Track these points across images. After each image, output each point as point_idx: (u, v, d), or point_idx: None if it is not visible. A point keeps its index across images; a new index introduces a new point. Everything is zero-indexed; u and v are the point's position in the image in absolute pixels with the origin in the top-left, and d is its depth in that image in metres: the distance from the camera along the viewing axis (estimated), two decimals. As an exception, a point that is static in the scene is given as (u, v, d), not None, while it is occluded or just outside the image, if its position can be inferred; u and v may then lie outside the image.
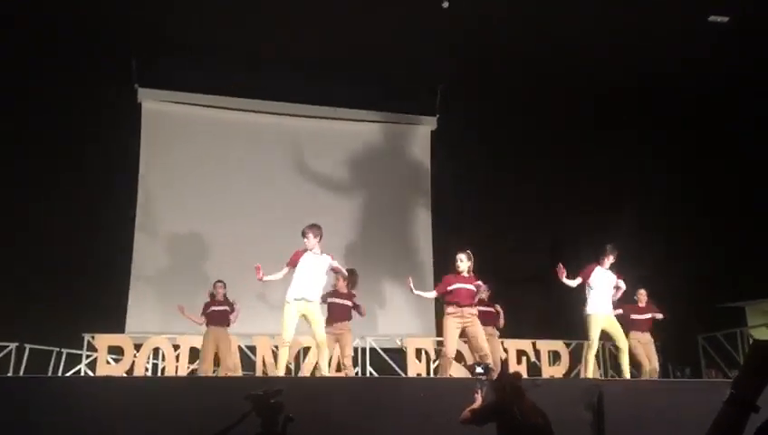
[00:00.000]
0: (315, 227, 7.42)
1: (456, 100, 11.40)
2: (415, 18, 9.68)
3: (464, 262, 7.53)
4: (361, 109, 11.73)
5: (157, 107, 10.97)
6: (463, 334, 7.52)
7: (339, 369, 8.46)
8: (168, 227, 10.58)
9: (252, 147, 11.24)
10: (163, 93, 10.95)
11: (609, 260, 8.14)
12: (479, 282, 7.61)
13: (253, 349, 9.10)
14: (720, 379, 9.40)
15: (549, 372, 9.33)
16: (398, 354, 9.66)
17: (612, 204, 11.51)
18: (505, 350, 9.60)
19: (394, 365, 9.58)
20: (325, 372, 7.38)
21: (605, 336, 8.31)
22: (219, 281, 8.80)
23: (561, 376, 9.23)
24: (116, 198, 10.31)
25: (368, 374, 9.43)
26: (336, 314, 8.18)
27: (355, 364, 9.50)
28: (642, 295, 9.11)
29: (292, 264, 7.31)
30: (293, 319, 7.19)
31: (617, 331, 8.11)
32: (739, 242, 11.06)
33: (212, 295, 8.73)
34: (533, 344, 9.60)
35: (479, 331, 7.45)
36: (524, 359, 9.53)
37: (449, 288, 7.51)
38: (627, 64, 10.72)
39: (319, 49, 10.32)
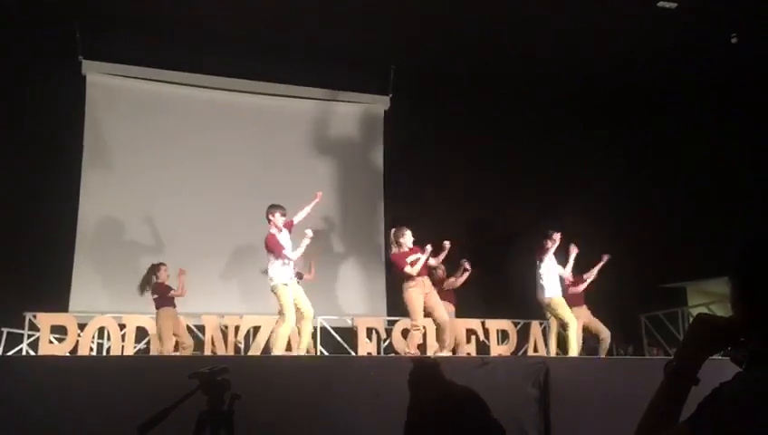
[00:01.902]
0: (280, 208, 7.59)
1: (409, 79, 11.37)
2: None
3: (410, 236, 7.72)
4: (312, 87, 11.59)
5: (101, 80, 10.63)
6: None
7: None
8: (113, 204, 10.31)
9: (199, 123, 11.01)
10: (108, 66, 10.62)
11: (555, 243, 8.40)
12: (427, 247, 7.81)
13: (202, 328, 9.00)
14: (662, 356, 9.69)
15: (497, 350, 9.47)
16: (349, 334, 9.68)
17: (560, 186, 11.70)
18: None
19: (345, 344, 9.60)
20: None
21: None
22: (163, 264, 8.62)
23: (509, 355, 9.38)
24: (59, 173, 9.99)
25: (318, 353, 9.43)
26: None
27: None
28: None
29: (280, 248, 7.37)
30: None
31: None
32: (680, 224, 11.39)
33: (156, 278, 8.52)
34: (483, 324, 9.73)
35: (438, 300, 7.65)
36: (474, 338, 9.64)
37: (409, 260, 7.63)
38: (578, 49, 10.85)
39: (271, 25, 10.15)
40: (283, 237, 7.56)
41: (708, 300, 10.92)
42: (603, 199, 11.69)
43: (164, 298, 8.41)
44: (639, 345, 11.06)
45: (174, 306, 8.46)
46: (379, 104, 11.96)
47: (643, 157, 12.00)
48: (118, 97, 10.73)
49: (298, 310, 7.43)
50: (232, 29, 10.19)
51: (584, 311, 9.04)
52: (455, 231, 11.11)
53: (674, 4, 9.69)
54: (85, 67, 10.45)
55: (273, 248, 7.40)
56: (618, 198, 11.82)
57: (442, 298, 8.22)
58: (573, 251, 8.80)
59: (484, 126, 11.83)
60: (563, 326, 8.51)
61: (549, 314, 8.72)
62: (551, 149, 11.94)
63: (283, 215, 7.59)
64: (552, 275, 8.49)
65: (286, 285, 7.35)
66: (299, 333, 7.63)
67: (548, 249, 8.44)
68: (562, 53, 10.91)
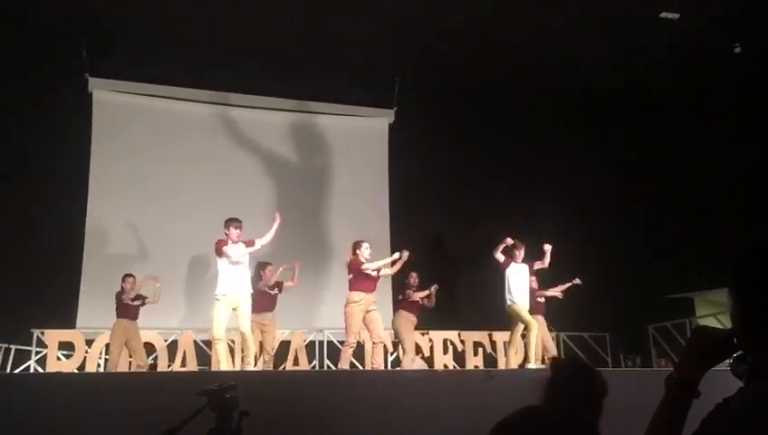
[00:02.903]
0: (234, 221, 7.65)
1: (413, 92, 11.42)
2: (372, 9, 9.65)
3: (367, 249, 7.93)
4: (318, 101, 11.65)
5: (107, 97, 10.72)
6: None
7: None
8: (119, 220, 10.36)
9: (206, 139, 11.08)
10: (114, 83, 10.71)
11: (521, 254, 8.61)
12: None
13: (208, 343, 8.99)
14: (670, 368, 9.62)
15: (504, 363, 9.41)
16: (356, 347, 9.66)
17: (567, 198, 11.70)
18: (462, 341, 9.72)
19: (351, 358, 9.56)
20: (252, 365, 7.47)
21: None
22: (130, 275, 8.56)
23: (516, 367, 9.34)
24: (66, 190, 10.05)
25: (325, 368, 9.42)
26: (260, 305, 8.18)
27: (312, 358, 9.50)
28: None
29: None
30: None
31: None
32: (687, 234, 11.35)
33: (123, 289, 8.48)
34: (490, 336, 9.70)
35: (376, 317, 7.79)
36: (480, 350, 9.63)
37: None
38: (581, 62, 10.88)
39: (275, 40, 10.22)
40: (234, 250, 7.50)
41: (716, 310, 10.86)
42: (610, 210, 11.69)
43: (119, 308, 8.37)
44: (648, 356, 11.01)
45: (130, 318, 8.38)
46: (384, 117, 12.01)
47: (650, 167, 11.98)
48: (124, 113, 10.80)
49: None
50: (235, 44, 10.26)
51: (541, 321, 9.05)
52: (460, 241, 11.18)
53: (676, 15, 9.73)
54: (91, 84, 10.54)
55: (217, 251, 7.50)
56: (624, 208, 11.81)
57: (406, 308, 8.72)
58: (547, 248, 8.82)
59: (489, 137, 11.84)
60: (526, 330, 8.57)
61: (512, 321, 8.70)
62: (557, 161, 11.94)
63: (237, 228, 7.59)
64: (516, 281, 8.56)
65: (218, 299, 7.37)
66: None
67: (513, 260, 8.56)
68: (565, 66, 10.94)
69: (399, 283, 9.27)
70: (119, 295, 8.41)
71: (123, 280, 8.47)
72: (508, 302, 8.53)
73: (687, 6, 9.56)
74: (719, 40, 10.19)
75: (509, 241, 8.55)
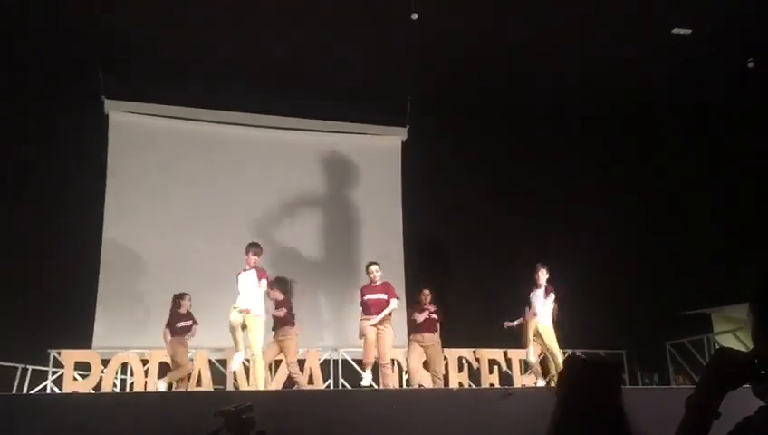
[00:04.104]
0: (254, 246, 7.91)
1: (426, 110, 11.45)
2: (385, 29, 9.72)
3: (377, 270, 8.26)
4: (331, 120, 11.71)
5: (124, 119, 10.84)
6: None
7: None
8: (135, 240, 10.43)
9: (221, 159, 11.15)
10: (130, 105, 10.83)
11: (544, 275, 8.56)
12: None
13: (224, 362, 9.01)
14: (688, 385, 9.53)
15: (521, 381, 9.37)
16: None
17: (580, 213, 11.67)
18: (477, 359, 9.65)
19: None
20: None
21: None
22: (186, 293, 8.71)
23: (532, 385, 9.27)
24: (82, 211, 10.13)
25: (340, 386, 9.39)
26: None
27: (327, 377, 9.47)
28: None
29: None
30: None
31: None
32: (704, 249, 11.27)
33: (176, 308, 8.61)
34: (505, 354, 9.65)
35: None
36: (496, 368, 9.57)
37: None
38: (596, 78, 10.88)
39: (288, 61, 10.31)
40: (244, 278, 7.77)
41: (734, 326, 10.75)
42: (626, 226, 11.64)
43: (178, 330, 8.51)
44: (665, 374, 10.89)
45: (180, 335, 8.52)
46: (397, 135, 12.05)
47: (666, 183, 11.93)
48: (139, 134, 10.91)
49: None
50: (249, 65, 10.35)
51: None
52: (474, 258, 11.15)
53: (688, 31, 9.73)
54: (107, 106, 10.66)
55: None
56: (639, 224, 11.76)
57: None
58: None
59: (502, 154, 11.85)
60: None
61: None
62: (569, 177, 11.93)
63: (254, 254, 7.83)
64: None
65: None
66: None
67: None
68: (578, 82, 10.95)
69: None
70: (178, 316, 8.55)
71: (182, 298, 8.63)
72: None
73: (700, 22, 9.56)
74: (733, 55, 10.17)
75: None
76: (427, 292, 8.83)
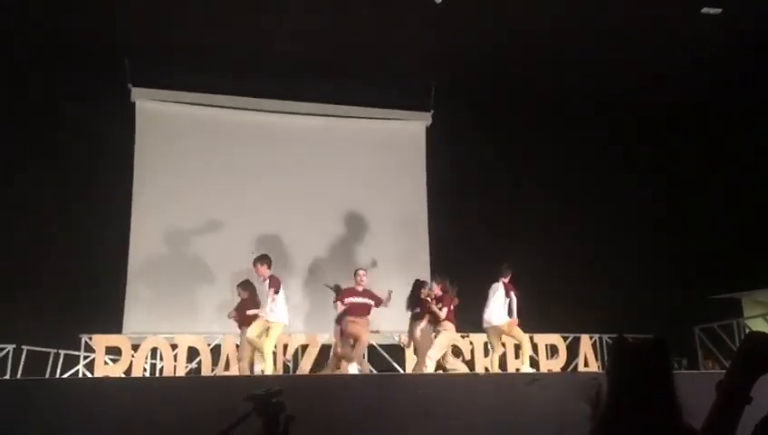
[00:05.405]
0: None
1: (450, 96, 11.39)
2: (410, 14, 9.65)
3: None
4: (355, 105, 11.70)
5: (150, 106, 10.94)
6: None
7: None
8: (163, 226, 10.55)
9: (247, 145, 11.21)
10: (156, 92, 10.92)
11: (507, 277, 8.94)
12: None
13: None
14: (717, 370, 9.43)
15: (547, 365, 9.34)
16: (395, 350, 9.67)
17: (607, 199, 11.55)
18: (503, 344, 9.62)
19: (393, 362, 9.59)
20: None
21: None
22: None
23: (559, 370, 9.25)
24: (111, 198, 10.26)
25: (368, 371, 9.42)
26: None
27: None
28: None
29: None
30: None
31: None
32: (733, 233, 11.12)
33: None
34: (531, 338, 9.60)
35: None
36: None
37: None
38: (622, 66, 10.73)
39: (313, 47, 10.29)
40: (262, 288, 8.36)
41: (764, 311, 10.61)
42: (654, 210, 11.51)
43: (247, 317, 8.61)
44: (694, 358, 10.78)
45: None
46: (421, 121, 12.01)
47: (695, 168, 11.76)
48: (166, 122, 11.00)
49: None
50: (275, 51, 10.35)
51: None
52: (498, 244, 11.09)
53: (718, 10, 9.51)
54: (134, 94, 10.76)
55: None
56: (668, 208, 11.62)
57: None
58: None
59: (528, 140, 11.76)
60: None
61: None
62: (594, 164, 11.80)
63: (263, 265, 8.28)
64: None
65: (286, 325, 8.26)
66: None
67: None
68: (605, 68, 10.78)
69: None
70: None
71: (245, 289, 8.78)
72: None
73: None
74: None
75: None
76: (363, 272, 8.87)
